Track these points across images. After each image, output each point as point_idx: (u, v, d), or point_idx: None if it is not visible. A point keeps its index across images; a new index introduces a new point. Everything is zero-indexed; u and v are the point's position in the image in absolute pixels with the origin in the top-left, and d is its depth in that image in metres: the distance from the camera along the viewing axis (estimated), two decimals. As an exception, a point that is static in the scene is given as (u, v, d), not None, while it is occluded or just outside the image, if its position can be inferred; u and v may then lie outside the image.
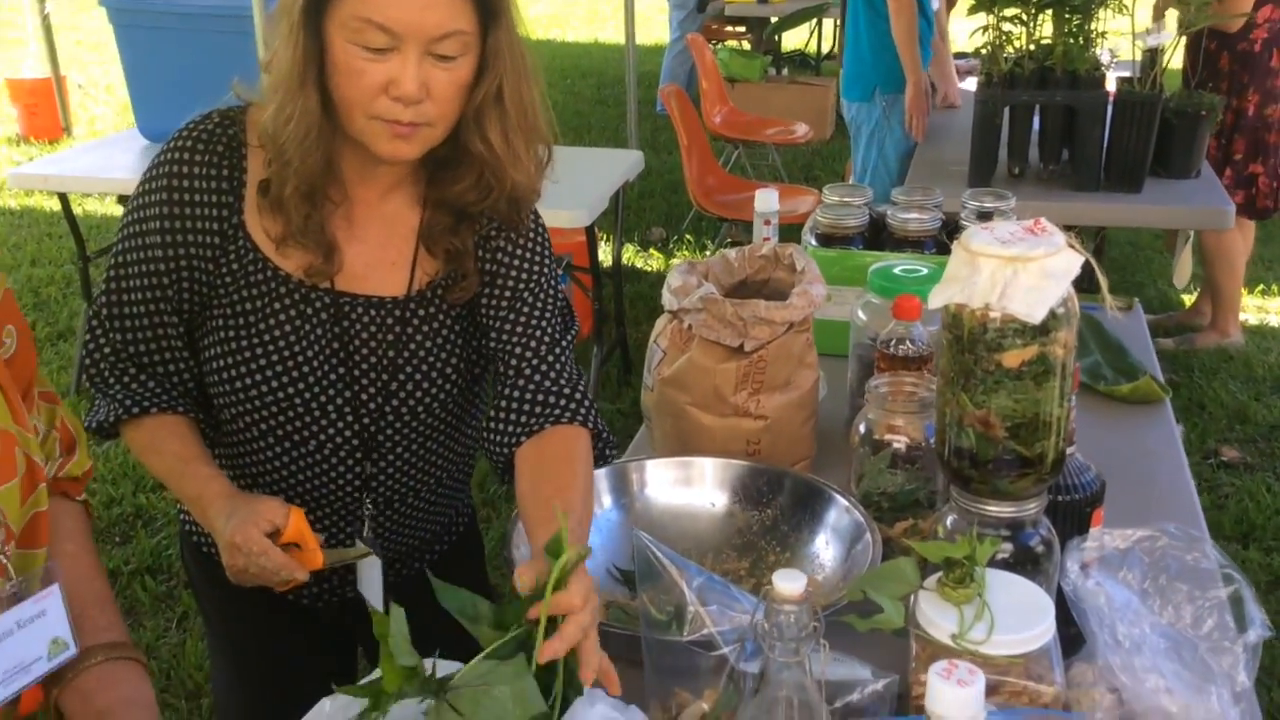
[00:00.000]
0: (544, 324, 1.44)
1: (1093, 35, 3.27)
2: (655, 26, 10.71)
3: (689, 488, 1.62)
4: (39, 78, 7.23)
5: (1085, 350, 2.21)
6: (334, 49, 1.22)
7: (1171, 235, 4.39)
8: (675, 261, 4.23)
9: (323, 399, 1.40)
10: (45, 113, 7.36)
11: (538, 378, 1.42)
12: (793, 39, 10.02)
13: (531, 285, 1.44)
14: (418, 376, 1.43)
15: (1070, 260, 1.16)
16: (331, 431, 1.42)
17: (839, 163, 6.69)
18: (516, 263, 1.44)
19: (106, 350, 1.40)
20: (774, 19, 8.36)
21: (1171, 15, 3.58)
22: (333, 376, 1.40)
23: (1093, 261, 1.20)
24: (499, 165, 1.32)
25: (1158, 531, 1.28)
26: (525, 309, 1.43)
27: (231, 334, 1.37)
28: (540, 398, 1.40)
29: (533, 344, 1.43)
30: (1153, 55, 3.31)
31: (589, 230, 3.67)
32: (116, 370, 1.40)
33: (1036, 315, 1.13)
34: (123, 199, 4.19)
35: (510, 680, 1.01)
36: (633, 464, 1.63)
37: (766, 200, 2.04)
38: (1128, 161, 3.24)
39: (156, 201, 1.34)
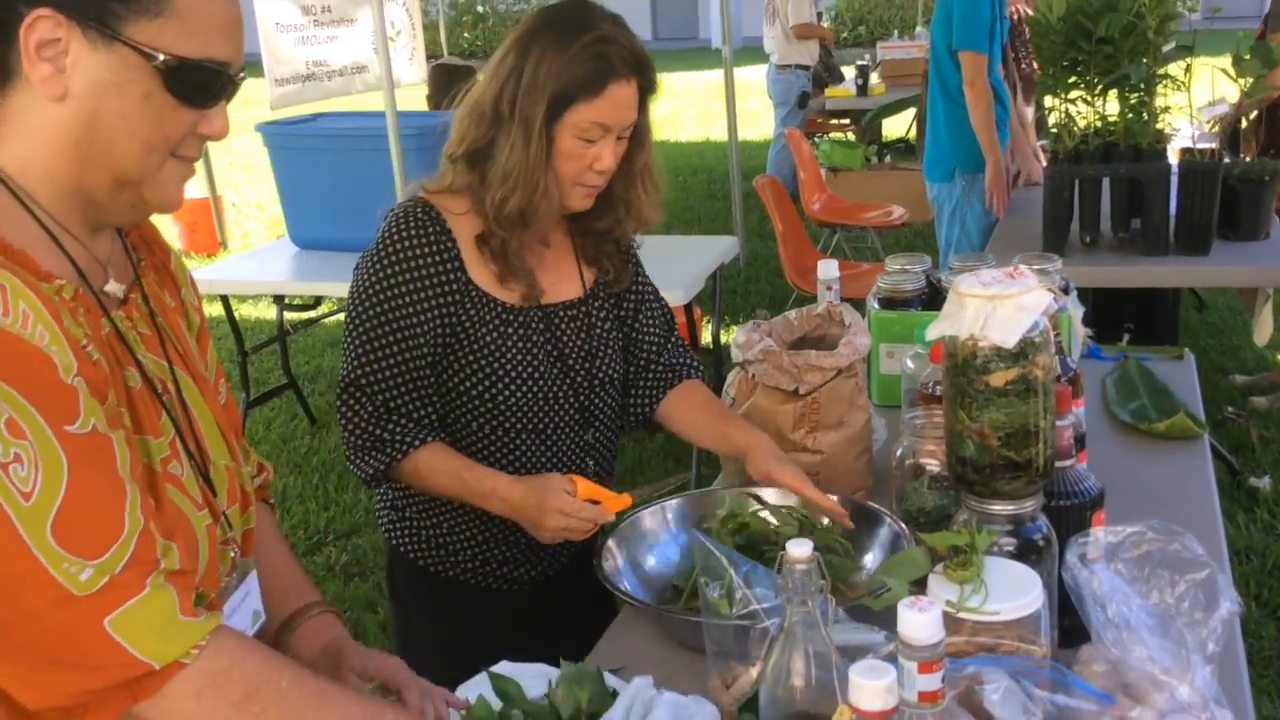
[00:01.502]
0: (664, 317, 1.99)
1: (1155, 111, 3.49)
2: (763, 123, 11.13)
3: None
4: (198, 198, 7.89)
5: (1134, 395, 2.40)
6: (560, 142, 1.66)
7: (1250, 296, 4.48)
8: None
9: (551, 389, 1.80)
10: (204, 229, 8.05)
11: (668, 350, 1.96)
12: (895, 127, 10.32)
13: (651, 290, 1.97)
14: (609, 353, 1.88)
15: (1041, 298, 1.41)
16: (559, 412, 1.81)
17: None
18: (640, 278, 1.96)
19: (367, 411, 1.74)
20: (872, 110, 8.68)
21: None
22: (554, 371, 1.80)
23: (1063, 299, 1.45)
24: (642, 206, 1.81)
25: (1145, 528, 1.48)
26: (648, 306, 1.96)
27: (480, 362, 1.76)
28: (673, 364, 1.96)
29: (659, 332, 1.96)
30: (1235, 127, 3.49)
31: (688, 310, 3.99)
32: (381, 424, 1.74)
33: (1010, 341, 1.38)
34: (278, 298, 4.70)
35: None
36: (709, 495, 1.90)
37: (827, 269, 2.32)
38: (1194, 226, 3.42)
39: (401, 281, 1.71)
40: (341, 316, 6.49)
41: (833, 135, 9.22)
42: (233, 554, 1.23)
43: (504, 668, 1.43)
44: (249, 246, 8.09)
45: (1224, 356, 4.91)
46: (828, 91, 8.94)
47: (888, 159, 9.10)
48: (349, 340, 1.76)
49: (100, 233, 1.15)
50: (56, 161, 1.06)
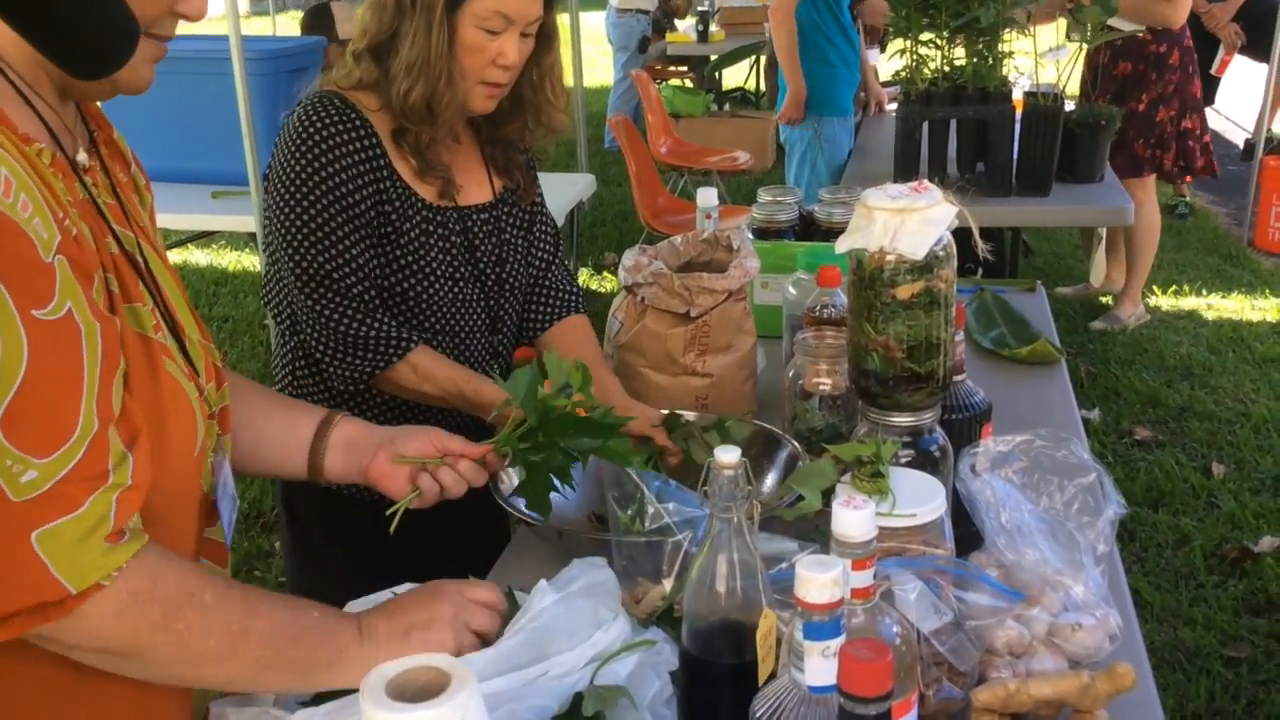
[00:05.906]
0: (554, 233, 1.98)
1: (1000, 56, 3.61)
2: (599, 69, 11.07)
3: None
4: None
5: (993, 324, 2.50)
6: (463, 33, 1.63)
7: (1088, 242, 4.73)
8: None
9: (464, 291, 1.79)
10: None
11: (554, 270, 1.95)
12: (733, 78, 10.41)
13: (544, 204, 1.96)
14: (516, 260, 1.88)
15: (947, 211, 1.44)
16: (470, 315, 1.82)
17: (780, 189, 7.02)
18: (538, 189, 1.94)
19: (344, 307, 1.66)
20: (713, 57, 8.72)
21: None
22: (467, 273, 1.80)
23: (965, 213, 1.48)
24: (552, 110, 1.78)
25: (1033, 435, 1.54)
26: (542, 220, 1.95)
27: (406, 260, 1.72)
28: (560, 289, 1.96)
29: (549, 247, 1.95)
30: (1096, 70, 3.61)
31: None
32: (367, 320, 1.67)
33: (919, 253, 1.40)
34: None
35: None
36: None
37: (707, 196, 2.31)
38: (1035, 168, 3.56)
39: (339, 169, 1.65)
40: (174, 253, 6.18)
41: (672, 82, 9.23)
42: (218, 431, 1.18)
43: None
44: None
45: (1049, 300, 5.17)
46: (669, 37, 8.94)
47: (726, 108, 9.18)
48: (298, 235, 1.67)
49: (66, 101, 1.08)
50: None
